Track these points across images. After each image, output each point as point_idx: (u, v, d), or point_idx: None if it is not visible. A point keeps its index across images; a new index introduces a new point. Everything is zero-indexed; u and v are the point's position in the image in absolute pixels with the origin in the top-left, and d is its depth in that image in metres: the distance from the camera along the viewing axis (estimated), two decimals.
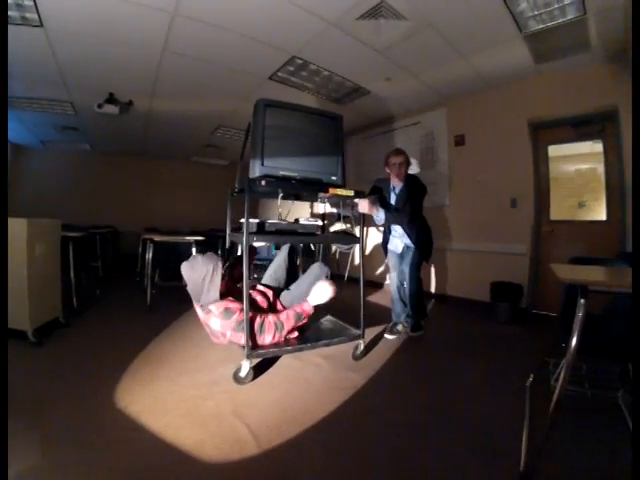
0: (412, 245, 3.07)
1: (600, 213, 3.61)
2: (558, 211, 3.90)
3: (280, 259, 2.86)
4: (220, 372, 2.24)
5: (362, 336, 2.58)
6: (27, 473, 1.30)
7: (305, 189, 2.52)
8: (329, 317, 2.95)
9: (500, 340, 3.09)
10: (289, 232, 2.53)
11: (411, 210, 2.95)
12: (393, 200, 3.19)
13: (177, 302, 3.60)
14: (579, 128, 3.69)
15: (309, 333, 2.58)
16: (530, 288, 3.84)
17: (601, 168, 3.61)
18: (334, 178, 2.50)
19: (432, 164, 4.83)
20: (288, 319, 2.26)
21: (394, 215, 2.96)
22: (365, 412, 1.84)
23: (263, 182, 2.13)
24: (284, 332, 2.25)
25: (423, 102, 4.75)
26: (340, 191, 2.48)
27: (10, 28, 3.00)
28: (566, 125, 3.75)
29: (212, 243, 6.51)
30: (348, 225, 3.03)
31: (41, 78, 4.06)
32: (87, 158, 7.82)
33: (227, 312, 2.15)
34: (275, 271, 2.82)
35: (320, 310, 2.81)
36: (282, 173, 2.28)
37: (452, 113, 4.60)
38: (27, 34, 3.11)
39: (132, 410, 1.76)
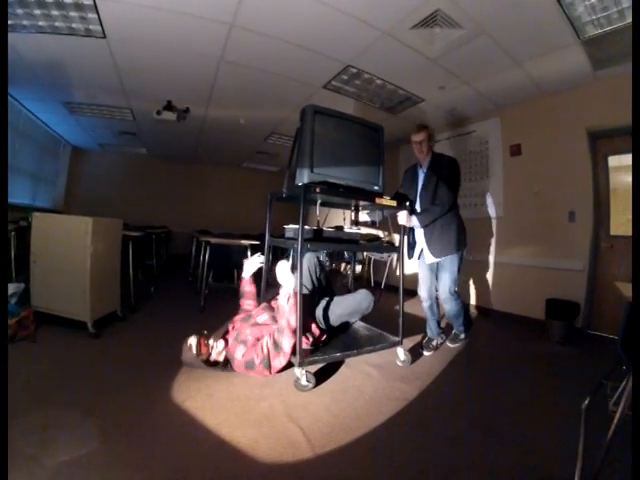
0: (442, 257, 2.81)
1: None
2: (618, 226, 3.67)
3: (304, 270, 2.56)
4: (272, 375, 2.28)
5: (400, 343, 2.61)
6: (85, 460, 1.37)
7: (352, 197, 2.53)
8: (362, 324, 2.97)
9: (554, 360, 2.95)
10: (336, 240, 2.56)
11: (444, 196, 2.72)
12: (422, 181, 2.93)
13: (228, 303, 3.67)
14: None
15: (350, 340, 2.61)
16: (587, 307, 3.64)
17: None
18: (376, 188, 2.53)
19: (486, 174, 4.70)
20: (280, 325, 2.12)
21: (426, 214, 2.72)
22: (415, 424, 1.81)
23: (318, 189, 2.15)
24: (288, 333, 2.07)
25: (477, 110, 4.65)
26: (385, 201, 2.54)
27: (75, 39, 3.24)
28: (627, 134, 3.55)
29: (263, 247, 6.72)
30: (386, 232, 3.01)
31: (102, 86, 4.33)
32: (142, 161, 8.23)
33: (248, 364, 2.11)
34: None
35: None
36: (330, 180, 2.27)
37: (507, 121, 4.47)
38: (91, 45, 3.33)
39: (189, 406, 1.83)
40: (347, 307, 2.56)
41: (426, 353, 2.88)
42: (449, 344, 3.06)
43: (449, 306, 2.90)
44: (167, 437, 1.56)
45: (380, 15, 2.79)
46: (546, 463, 1.52)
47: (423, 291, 3.02)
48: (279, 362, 2.08)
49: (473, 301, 4.69)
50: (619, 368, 1.74)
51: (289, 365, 2.17)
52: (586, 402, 1.97)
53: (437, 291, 3.00)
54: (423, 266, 3.00)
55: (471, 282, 4.71)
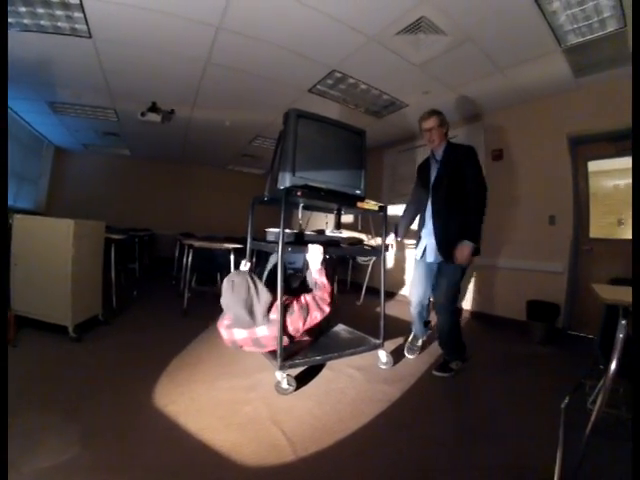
0: (451, 260, 2.41)
1: None
2: (597, 229, 3.77)
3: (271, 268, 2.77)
4: (256, 378, 2.28)
5: (382, 345, 2.62)
6: (66, 465, 1.34)
7: (334, 201, 2.52)
8: (343, 326, 3.00)
9: (535, 360, 3.01)
10: (317, 243, 2.55)
11: (478, 189, 2.51)
12: (434, 175, 2.60)
13: (211, 307, 3.60)
14: (618, 143, 3.57)
15: (332, 343, 2.62)
16: (567, 308, 3.72)
17: None
18: (358, 192, 2.56)
19: None
20: (320, 290, 2.33)
21: (471, 228, 2.44)
22: (398, 425, 1.83)
23: (299, 192, 2.17)
24: (324, 304, 2.30)
25: (461, 115, 4.71)
26: (367, 205, 2.55)
27: (59, 38, 3.19)
28: (606, 140, 3.65)
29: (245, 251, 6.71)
30: (369, 235, 3.00)
31: (87, 86, 4.27)
32: (126, 163, 8.12)
33: (299, 308, 2.21)
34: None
35: (333, 320, 3.05)
36: (312, 184, 2.29)
37: (490, 127, 4.54)
38: (76, 44, 3.29)
39: (171, 410, 1.81)
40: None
41: (409, 356, 2.84)
42: (435, 372, 2.53)
43: (443, 318, 2.52)
44: (149, 442, 1.55)
45: (366, 20, 2.82)
46: (529, 462, 1.55)
47: (414, 295, 2.71)
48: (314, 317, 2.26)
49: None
50: (597, 367, 1.79)
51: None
52: (565, 401, 2.01)
53: (431, 299, 2.77)
54: (420, 267, 2.68)
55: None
